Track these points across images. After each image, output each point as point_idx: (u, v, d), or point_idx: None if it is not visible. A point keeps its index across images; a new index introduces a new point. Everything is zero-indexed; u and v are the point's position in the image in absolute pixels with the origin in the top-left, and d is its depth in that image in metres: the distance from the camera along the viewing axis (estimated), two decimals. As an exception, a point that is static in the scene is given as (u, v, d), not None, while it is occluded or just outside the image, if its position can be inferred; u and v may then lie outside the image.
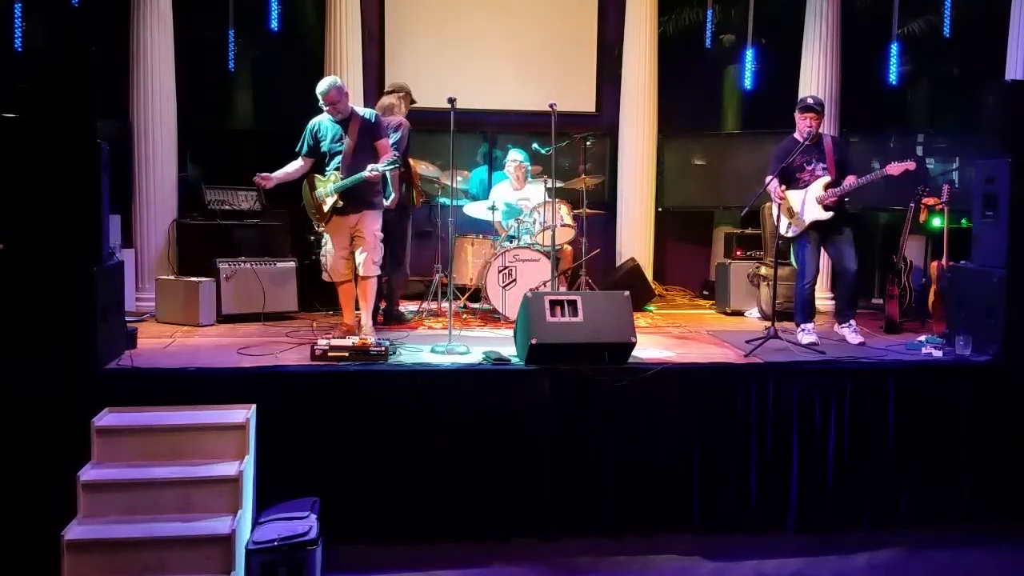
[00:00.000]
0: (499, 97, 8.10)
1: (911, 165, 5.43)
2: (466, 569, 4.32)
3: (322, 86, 5.34)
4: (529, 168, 7.19)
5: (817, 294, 7.09)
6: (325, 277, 5.61)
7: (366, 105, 7.56)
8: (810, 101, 5.75)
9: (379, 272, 5.52)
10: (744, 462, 4.71)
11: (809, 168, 5.69)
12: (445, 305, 6.30)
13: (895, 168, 5.41)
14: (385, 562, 4.31)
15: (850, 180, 5.52)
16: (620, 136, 8.00)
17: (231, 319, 6.13)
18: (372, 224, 5.42)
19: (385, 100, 6.30)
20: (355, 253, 5.42)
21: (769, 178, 5.67)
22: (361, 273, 5.40)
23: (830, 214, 5.57)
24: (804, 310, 5.69)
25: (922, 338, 5.53)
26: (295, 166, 5.51)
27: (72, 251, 4.33)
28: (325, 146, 5.40)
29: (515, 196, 7.03)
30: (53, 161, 4.30)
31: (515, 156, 7.13)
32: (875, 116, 7.91)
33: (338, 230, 5.42)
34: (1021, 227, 4.96)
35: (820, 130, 5.77)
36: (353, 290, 5.52)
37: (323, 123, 5.46)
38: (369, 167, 5.21)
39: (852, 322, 5.71)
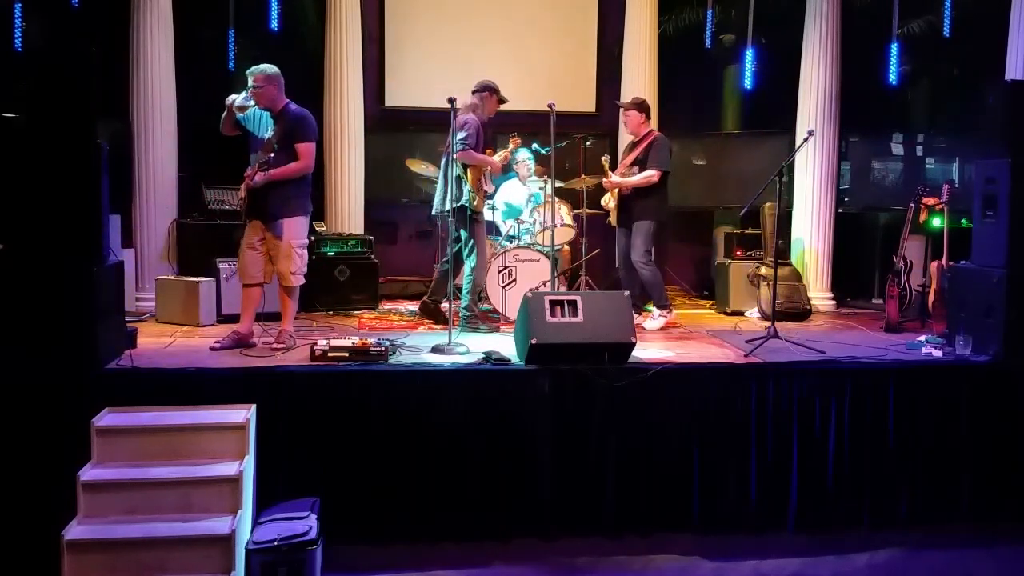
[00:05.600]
0: (499, 97, 8.10)
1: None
2: (466, 569, 4.32)
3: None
4: (532, 166, 7.25)
5: (818, 293, 7.19)
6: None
7: (366, 104, 7.62)
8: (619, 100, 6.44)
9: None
10: (744, 462, 4.71)
11: None
12: (445, 305, 6.29)
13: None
14: (385, 562, 4.31)
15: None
16: (620, 136, 8.00)
17: (231, 319, 6.10)
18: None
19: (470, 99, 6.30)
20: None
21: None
22: None
23: (612, 204, 6.38)
24: None
25: (922, 338, 5.53)
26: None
27: (72, 251, 4.32)
28: None
29: (525, 193, 7.08)
30: (53, 161, 4.30)
31: (523, 156, 7.20)
32: (875, 116, 7.90)
33: None
34: (1021, 227, 4.96)
35: (648, 128, 6.29)
36: None
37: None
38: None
39: (654, 311, 6.20)
